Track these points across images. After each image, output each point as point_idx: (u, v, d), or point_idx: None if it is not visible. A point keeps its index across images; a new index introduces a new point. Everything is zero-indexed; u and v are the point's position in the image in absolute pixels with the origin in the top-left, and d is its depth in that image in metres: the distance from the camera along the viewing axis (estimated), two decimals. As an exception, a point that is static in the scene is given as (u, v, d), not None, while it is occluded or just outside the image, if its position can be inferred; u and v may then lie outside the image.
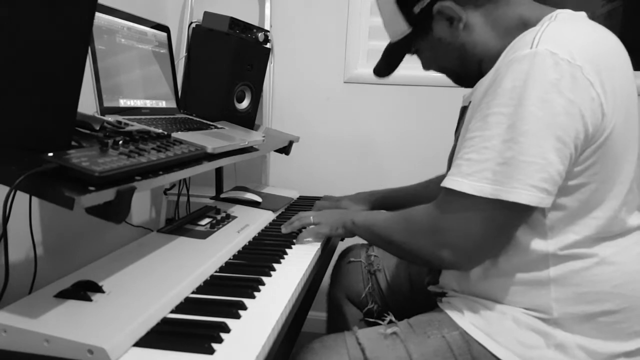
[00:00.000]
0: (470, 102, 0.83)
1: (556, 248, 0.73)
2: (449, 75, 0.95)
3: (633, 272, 0.74)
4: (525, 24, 0.78)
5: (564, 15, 0.76)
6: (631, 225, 0.77)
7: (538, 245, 0.74)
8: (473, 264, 0.77)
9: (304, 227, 1.09)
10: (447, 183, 0.73)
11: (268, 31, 1.47)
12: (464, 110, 0.89)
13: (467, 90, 0.89)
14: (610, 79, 0.69)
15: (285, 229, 1.09)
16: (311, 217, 1.06)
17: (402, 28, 0.89)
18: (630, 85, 0.75)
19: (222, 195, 1.38)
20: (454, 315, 0.80)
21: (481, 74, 0.83)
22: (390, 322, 0.84)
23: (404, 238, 0.82)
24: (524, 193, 0.67)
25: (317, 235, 1.07)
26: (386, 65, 0.98)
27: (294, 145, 1.61)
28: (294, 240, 1.08)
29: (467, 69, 0.87)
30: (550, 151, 0.66)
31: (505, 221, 0.71)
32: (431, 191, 1.03)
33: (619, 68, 0.71)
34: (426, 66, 0.96)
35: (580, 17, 0.79)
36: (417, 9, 0.85)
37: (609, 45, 0.73)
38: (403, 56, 0.96)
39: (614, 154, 0.71)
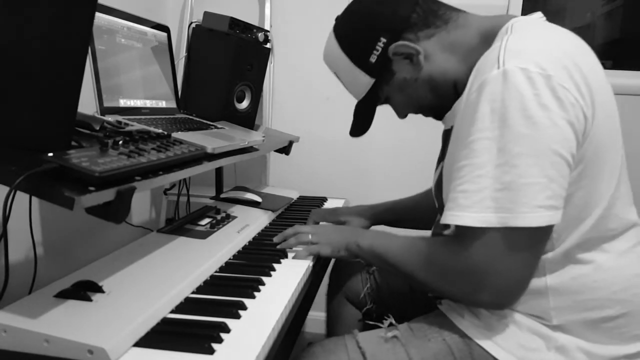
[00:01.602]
0: (452, 126, 0.81)
1: (556, 254, 0.72)
2: (428, 112, 0.92)
3: (632, 277, 0.73)
4: (485, 40, 0.77)
5: (519, 25, 0.74)
6: (629, 220, 0.76)
7: (544, 255, 0.73)
8: (515, 300, 0.71)
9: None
10: (447, 219, 0.70)
11: (268, 31, 1.47)
12: (446, 133, 0.88)
13: None
14: (583, 79, 0.68)
15: (280, 245, 1.01)
16: (310, 235, 0.97)
17: (365, 81, 0.88)
18: (602, 81, 0.74)
19: (222, 195, 1.38)
20: (454, 318, 0.80)
21: (457, 98, 0.82)
22: (391, 324, 0.83)
23: (431, 278, 0.76)
24: (532, 215, 0.65)
25: (317, 256, 0.97)
26: (361, 124, 0.97)
27: (294, 145, 1.61)
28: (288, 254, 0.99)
29: (443, 98, 0.85)
30: (549, 167, 0.65)
31: (528, 246, 0.68)
32: (431, 201, 1.01)
33: (587, 66, 0.70)
34: (401, 112, 0.94)
35: (536, 21, 0.77)
36: (372, 59, 0.84)
37: (572, 45, 0.72)
38: (374, 109, 0.93)
39: (601, 153, 0.71)
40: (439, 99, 0.86)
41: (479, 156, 0.67)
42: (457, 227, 0.71)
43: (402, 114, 0.95)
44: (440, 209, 0.87)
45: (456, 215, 0.69)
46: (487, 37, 0.77)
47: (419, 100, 0.88)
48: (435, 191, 0.89)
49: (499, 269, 0.68)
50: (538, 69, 0.65)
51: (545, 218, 0.65)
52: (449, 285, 0.74)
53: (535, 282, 0.73)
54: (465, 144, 0.69)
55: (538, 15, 0.79)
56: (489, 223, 0.66)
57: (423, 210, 1.10)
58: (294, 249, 1.00)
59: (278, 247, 1.00)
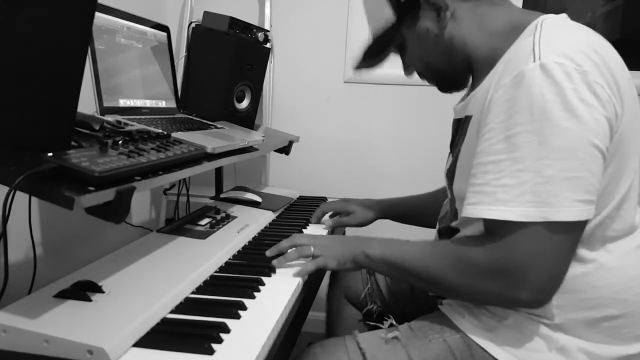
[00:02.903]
0: (466, 115, 0.82)
1: None
2: (434, 75, 0.91)
3: (634, 277, 0.73)
4: (513, 29, 0.76)
5: (549, 22, 0.74)
6: (634, 222, 0.76)
7: None
8: (550, 296, 0.70)
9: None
10: (484, 213, 0.69)
11: (268, 31, 1.47)
12: (458, 123, 0.87)
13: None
14: (613, 78, 0.68)
15: (277, 263, 0.90)
16: (311, 248, 0.90)
17: (387, 17, 0.85)
18: (629, 82, 0.74)
19: (222, 195, 1.37)
20: (455, 318, 0.79)
21: (467, 76, 0.83)
22: (391, 325, 0.83)
23: (462, 281, 0.73)
24: (573, 210, 0.65)
25: (322, 269, 0.90)
26: (368, 60, 0.93)
27: (294, 145, 1.61)
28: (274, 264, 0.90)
29: (454, 66, 0.85)
30: (590, 161, 0.65)
31: (568, 240, 0.68)
32: (439, 201, 1.01)
33: (616, 66, 0.71)
34: (410, 64, 0.92)
35: (564, 20, 0.77)
36: None
37: (601, 45, 0.72)
38: (386, 50, 0.91)
39: (624, 154, 0.71)
40: (449, 66, 0.85)
41: (519, 150, 0.66)
42: (492, 222, 0.69)
43: (409, 69, 0.92)
44: (453, 199, 0.86)
45: (494, 209, 0.68)
46: (515, 28, 0.76)
47: (430, 58, 0.87)
48: (447, 181, 0.89)
49: (539, 264, 0.67)
50: (574, 65, 0.66)
51: (584, 212, 0.66)
52: (485, 285, 0.71)
53: None
54: (502, 137, 0.68)
55: (564, 16, 0.79)
56: (530, 217, 0.66)
57: (431, 209, 1.09)
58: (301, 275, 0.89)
59: (275, 264, 0.90)
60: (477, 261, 0.71)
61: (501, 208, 0.67)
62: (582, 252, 0.72)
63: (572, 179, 0.65)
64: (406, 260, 0.80)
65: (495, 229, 0.70)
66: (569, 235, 0.68)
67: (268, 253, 0.95)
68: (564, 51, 0.67)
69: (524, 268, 0.67)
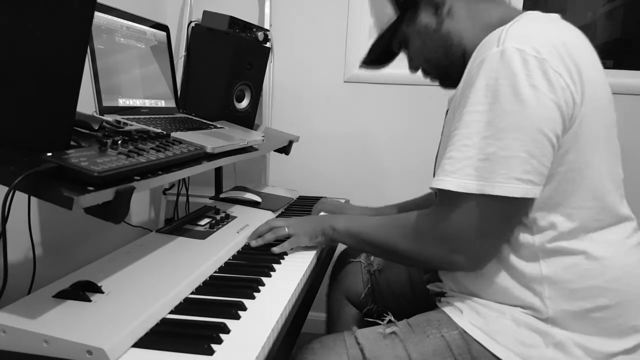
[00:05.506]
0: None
1: (543, 241, 0.74)
2: (435, 71, 0.94)
3: (625, 266, 0.75)
4: (503, 24, 0.78)
5: (530, 16, 0.78)
6: (619, 213, 0.78)
7: (525, 239, 0.75)
8: (485, 263, 0.77)
9: (278, 240, 1.01)
10: (433, 183, 0.75)
11: (268, 30, 1.47)
12: (447, 113, 0.89)
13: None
14: (577, 70, 0.71)
15: (255, 243, 1.02)
16: (285, 229, 1.00)
17: (389, 14, 0.91)
18: (599, 79, 0.76)
19: (222, 195, 1.37)
20: (453, 314, 0.80)
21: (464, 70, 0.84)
22: (390, 321, 0.84)
23: (409, 246, 0.81)
24: (507, 186, 0.69)
25: (295, 247, 1.00)
26: (373, 56, 1.00)
27: (294, 145, 1.61)
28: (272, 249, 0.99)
29: (452, 60, 0.88)
30: (530, 144, 0.69)
31: (502, 215, 0.73)
32: (432, 204, 1.02)
33: (584, 61, 0.73)
34: (414, 59, 0.96)
35: (548, 17, 0.80)
36: None
37: (573, 40, 0.75)
38: (390, 47, 0.97)
39: (586, 142, 0.73)
40: (447, 60, 0.89)
41: (468, 127, 0.72)
42: (440, 193, 0.76)
43: (413, 64, 0.97)
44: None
45: (440, 179, 0.74)
46: (505, 22, 0.78)
47: (431, 53, 0.91)
48: (435, 168, 0.91)
49: (473, 233, 0.73)
50: (534, 52, 0.69)
51: (519, 190, 0.70)
52: (428, 250, 0.79)
53: (531, 271, 0.75)
54: (459, 115, 0.74)
55: (555, 15, 0.82)
56: (467, 189, 0.71)
57: None
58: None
59: (253, 244, 1.02)
60: (420, 227, 0.80)
61: (445, 179, 0.73)
62: (569, 242, 0.74)
63: (509, 158, 0.69)
64: (365, 232, 0.90)
65: (440, 199, 0.77)
66: (503, 210, 0.72)
67: (253, 244, 1.02)
68: (527, 38, 0.71)
69: (458, 235, 0.74)
